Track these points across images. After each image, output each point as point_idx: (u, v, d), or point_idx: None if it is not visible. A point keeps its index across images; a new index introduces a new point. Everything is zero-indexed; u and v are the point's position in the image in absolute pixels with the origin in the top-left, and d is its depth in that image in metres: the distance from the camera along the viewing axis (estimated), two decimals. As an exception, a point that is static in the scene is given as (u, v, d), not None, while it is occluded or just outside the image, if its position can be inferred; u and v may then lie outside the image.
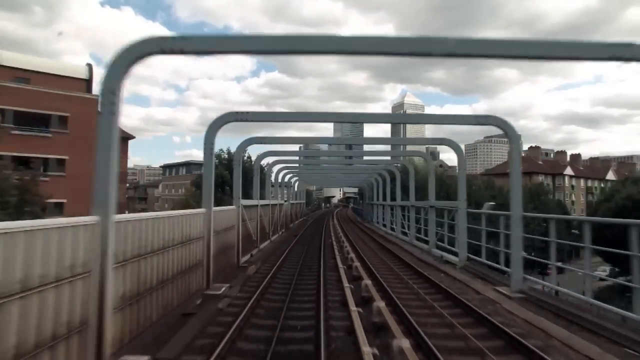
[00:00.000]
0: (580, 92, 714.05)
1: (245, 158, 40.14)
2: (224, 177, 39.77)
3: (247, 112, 9.64)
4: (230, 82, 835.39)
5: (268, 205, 18.09)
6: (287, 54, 5.41)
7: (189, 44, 4.90)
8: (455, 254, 12.84)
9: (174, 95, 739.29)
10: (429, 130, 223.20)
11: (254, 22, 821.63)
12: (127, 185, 59.25)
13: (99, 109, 4.70)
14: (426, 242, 16.64)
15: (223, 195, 35.75)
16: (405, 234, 20.23)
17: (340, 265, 10.64)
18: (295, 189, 36.83)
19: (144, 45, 4.60)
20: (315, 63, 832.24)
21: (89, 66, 27.39)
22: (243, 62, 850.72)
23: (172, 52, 4.78)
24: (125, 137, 32.90)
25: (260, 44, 5.15)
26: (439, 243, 14.45)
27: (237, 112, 9.36)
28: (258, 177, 15.38)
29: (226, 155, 45.91)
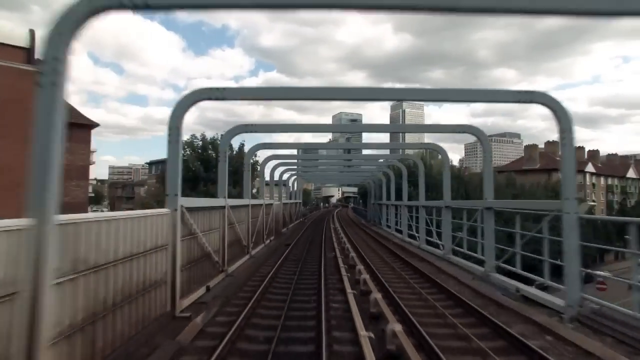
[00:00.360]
0: (578, 92, 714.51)
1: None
2: (197, 170, 32.88)
3: (224, 89, 7.72)
4: (228, 81, 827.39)
5: (247, 206, 12.94)
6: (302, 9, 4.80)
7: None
8: (535, 285, 7.85)
9: (173, 94, 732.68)
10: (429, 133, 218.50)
11: (253, 22, 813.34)
12: (96, 182, 53.79)
13: (39, 80, 3.58)
14: (470, 258, 11.65)
15: (192, 193, 28.84)
16: (431, 243, 15.17)
17: (358, 326, 5.50)
18: (292, 187, 32.02)
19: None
20: (314, 63, 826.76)
21: (31, 32, 22.24)
22: (241, 62, 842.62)
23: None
24: (88, 125, 27.60)
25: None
26: (502, 265, 9.38)
27: (210, 89, 7.60)
28: (226, 163, 10.10)
29: (200, 142, 35.17)
